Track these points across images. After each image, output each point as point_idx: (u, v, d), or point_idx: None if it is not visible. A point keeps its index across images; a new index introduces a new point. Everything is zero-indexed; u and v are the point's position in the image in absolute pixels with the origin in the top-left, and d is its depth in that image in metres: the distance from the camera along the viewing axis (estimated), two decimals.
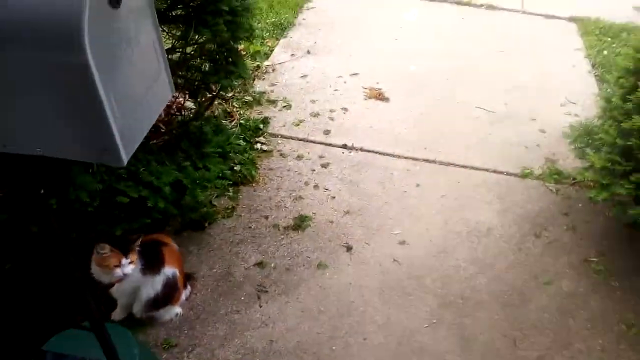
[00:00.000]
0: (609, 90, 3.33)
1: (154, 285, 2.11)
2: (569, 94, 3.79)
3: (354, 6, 4.77)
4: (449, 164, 3.18)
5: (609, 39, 4.45)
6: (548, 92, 3.83)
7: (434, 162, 3.19)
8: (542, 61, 4.19)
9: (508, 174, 3.13)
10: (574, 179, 3.06)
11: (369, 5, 4.82)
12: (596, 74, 4.06)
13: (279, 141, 3.25)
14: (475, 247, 2.67)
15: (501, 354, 2.21)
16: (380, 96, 3.68)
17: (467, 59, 4.15)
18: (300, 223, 2.73)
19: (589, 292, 2.49)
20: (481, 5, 4.96)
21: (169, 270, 2.15)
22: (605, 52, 4.26)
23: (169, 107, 3.14)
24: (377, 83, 3.80)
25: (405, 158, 3.21)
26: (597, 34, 4.52)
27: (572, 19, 4.82)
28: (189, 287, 2.35)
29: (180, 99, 2.96)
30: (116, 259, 1.92)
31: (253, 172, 2.95)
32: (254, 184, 2.92)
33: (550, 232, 2.77)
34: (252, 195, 2.87)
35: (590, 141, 3.22)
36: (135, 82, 1.20)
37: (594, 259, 2.64)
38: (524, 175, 3.11)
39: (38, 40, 0.99)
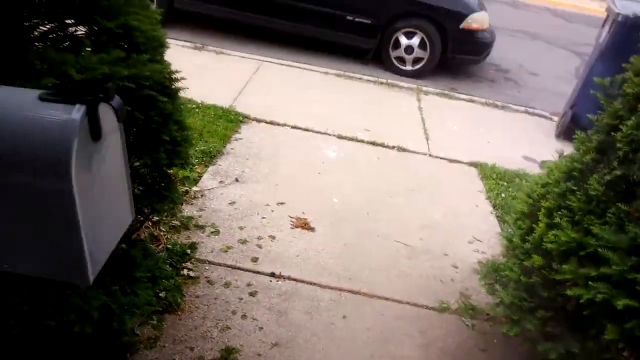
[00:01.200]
0: (509, 230, 3.72)
1: None
2: (475, 232, 4.16)
3: (279, 140, 5.06)
4: (372, 296, 3.27)
5: (505, 183, 5.03)
6: (456, 230, 4.18)
7: (358, 293, 3.27)
8: (449, 200, 4.61)
9: (427, 307, 3.26)
10: (487, 314, 3.25)
11: (294, 139, 5.14)
12: (497, 214, 4.52)
13: (207, 267, 3.18)
14: None
15: None
16: (306, 226, 3.81)
17: (384, 195, 4.47)
18: (227, 356, 2.60)
19: None
20: (393, 147, 5.46)
21: None
22: (503, 195, 4.79)
23: None
24: (303, 213, 3.94)
25: (331, 288, 3.26)
26: (494, 178, 5.11)
27: (472, 164, 5.43)
28: None
29: None
30: None
31: (179, 300, 2.83)
32: (179, 312, 2.78)
33: None
34: (177, 324, 2.72)
35: (498, 277, 3.50)
36: (104, 206, 1.21)
37: None
38: (442, 310, 3.25)
39: (26, 166, 0.99)
